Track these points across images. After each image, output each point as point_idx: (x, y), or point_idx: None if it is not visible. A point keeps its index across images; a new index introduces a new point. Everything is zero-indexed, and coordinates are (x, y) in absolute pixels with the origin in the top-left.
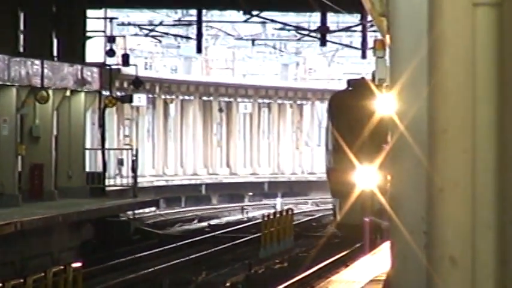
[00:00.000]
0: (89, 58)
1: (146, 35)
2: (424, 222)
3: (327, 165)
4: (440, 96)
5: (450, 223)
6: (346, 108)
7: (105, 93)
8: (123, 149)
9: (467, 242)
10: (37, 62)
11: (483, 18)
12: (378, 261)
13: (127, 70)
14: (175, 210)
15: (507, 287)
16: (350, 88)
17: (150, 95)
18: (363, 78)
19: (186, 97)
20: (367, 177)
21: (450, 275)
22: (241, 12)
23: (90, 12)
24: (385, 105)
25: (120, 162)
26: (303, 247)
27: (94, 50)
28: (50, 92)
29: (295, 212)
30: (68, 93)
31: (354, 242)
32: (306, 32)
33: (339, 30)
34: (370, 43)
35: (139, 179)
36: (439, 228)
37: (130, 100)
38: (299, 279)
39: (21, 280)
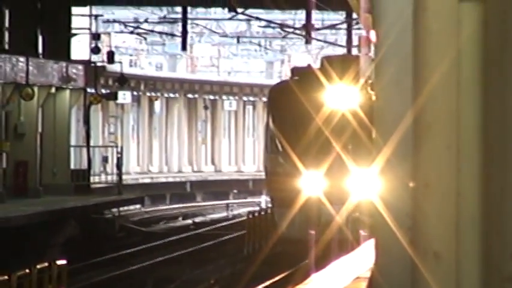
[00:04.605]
0: (74, 55)
1: (131, 33)
2: (408, 218)
3: (266, 169)
4: (424, 91)
5: (434, 219)
6: (289, 102)
7: (90, 90)
8: (108, 146)
9: (452, 237)
10: (22, 59)
11: (468, 14)
12: (362, 258)
13: (112, 67)
14: (160, 208)
15: (490, 281)
16: (295, 78)
17: (135, 93)
18: (309, 65)
19: (171, 94)
20: (314, 183)
21: (434, 270)
22: (226, 9)
23: (75, 9)
24: (336, 97)
25: (105, 160)
26: (288, 244)
27: (79, 47)
28: (35, 89)
29: None
30: (53, 90)
31: (298, 260)
32: (291, 30)
33: (324, 28)
34: (355, 41)
35: (124, 177)
36: (423, 224)
37: (115, 97)
38: (282, 277)
39: (6, 277)
